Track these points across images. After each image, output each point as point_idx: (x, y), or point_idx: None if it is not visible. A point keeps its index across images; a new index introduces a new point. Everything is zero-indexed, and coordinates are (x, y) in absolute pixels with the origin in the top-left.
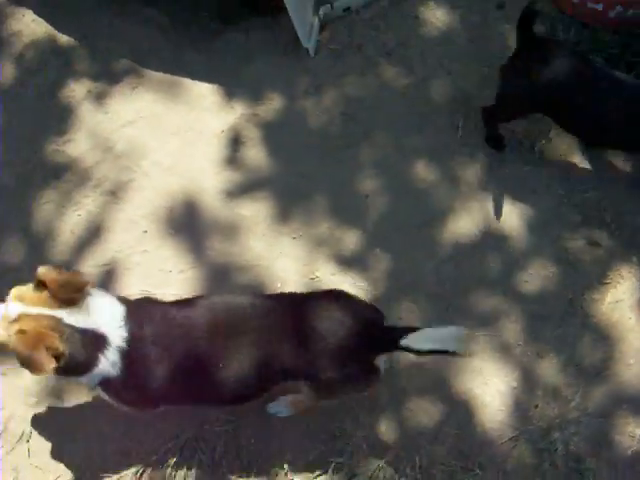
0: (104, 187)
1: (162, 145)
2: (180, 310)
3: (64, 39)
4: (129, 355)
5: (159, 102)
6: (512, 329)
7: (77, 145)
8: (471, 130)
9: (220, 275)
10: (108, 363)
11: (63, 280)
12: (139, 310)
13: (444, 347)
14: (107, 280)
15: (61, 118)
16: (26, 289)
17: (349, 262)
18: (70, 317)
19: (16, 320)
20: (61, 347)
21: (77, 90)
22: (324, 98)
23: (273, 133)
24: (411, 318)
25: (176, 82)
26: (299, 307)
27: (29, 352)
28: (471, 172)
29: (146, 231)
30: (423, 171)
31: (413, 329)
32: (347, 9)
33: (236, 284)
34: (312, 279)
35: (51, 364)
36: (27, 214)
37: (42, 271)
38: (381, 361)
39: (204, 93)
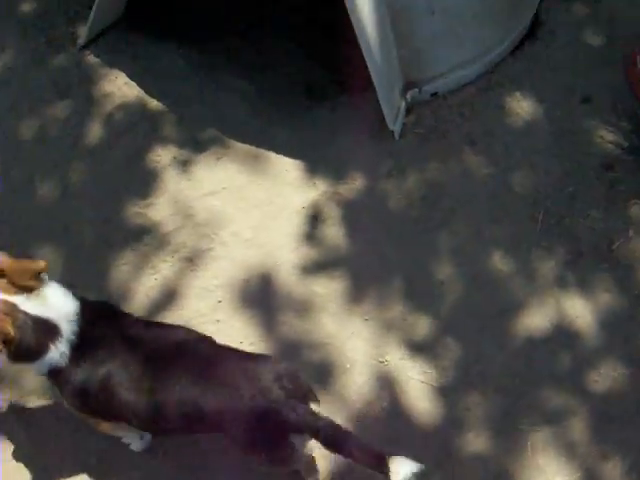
0: (182, 253)
1: (243, 217)
2: (133, 326)
3: (154, 104)
4: (77, 349)
5: (243, 174)
6: (578, 428)
7: (159, 210)
8: (551, 224)
9: (290, 350)
10: (57, 353)
11: (19, 267)
12: (94, 311)
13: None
14: None
15: (145, 181)
16: None
17: (419, 348)
18: (25, 304)
19: None
20: (12, 332)
21: (163, 155)
22: (406, 181)
23: (353, 213)
24: (478, 410)
25: (261, 155)
26: (231, 363)
27: None
28: (548, 266)
29: (220, 301)
30: (500, 262)
31: (348, 435)
32: (434, 94)
33: (305, 361)
34: (381, 362)
35: None
36: (104, 274)
37: None
38: (299, 441)
39: (287, 168)
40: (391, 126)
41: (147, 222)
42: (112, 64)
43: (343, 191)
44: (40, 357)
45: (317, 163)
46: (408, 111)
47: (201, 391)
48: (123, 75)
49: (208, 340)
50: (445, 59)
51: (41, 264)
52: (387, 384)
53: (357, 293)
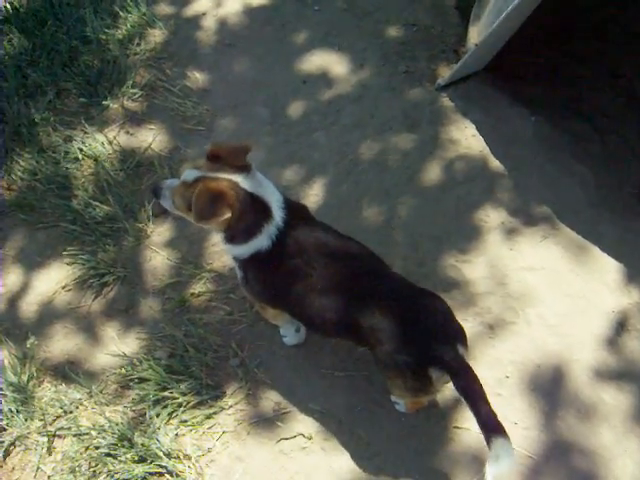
0: (485, 318)
1: (553, 302)
2: (322, 230)
3: (495, 164)
4: (279, 236)
5: (564, 260)
6: None
7: (474, 269)
8: None
9: (559, 447)
10: (267, 235)
11: (232, 148)
12: (293, 205)
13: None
14: (451, 407)
15: (468, 237)
16: (201, 162)
17: None
18: (244, 182)
19: (195, 183)
20: (237, 204)
21: (492, 217)
22: None
23: None
24: None
25: (585, 247)
26: (401, 286)
27: (209, 202)
28: None
29: (508, 377)
30: None
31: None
32: None
33: (570, 463)
34: None
35: (227, 214)
36: None
37: (212, 145)
38: (437, 375)
39: (608, 268)
40: None
41: (460, 277)
42: (465, 113)
43: None
44: (252, 237)
45: (637, 272)
46: None
47: (363, 306)
48: (473, 127)
49: (385, 265)
50: None
51: (248, 143)
52: None
53: None
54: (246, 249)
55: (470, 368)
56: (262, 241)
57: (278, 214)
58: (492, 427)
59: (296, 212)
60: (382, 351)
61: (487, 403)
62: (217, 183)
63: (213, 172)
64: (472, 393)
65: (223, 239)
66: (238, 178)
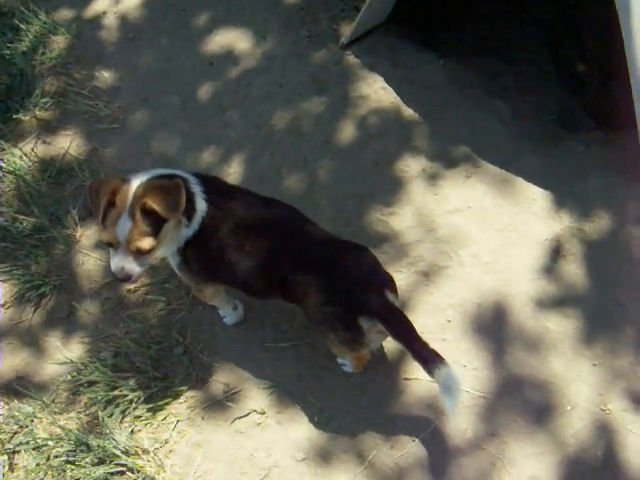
0: (418, 267)
1: (484, 239)
2: (242, 193)
3: (408, 112)
4: (210, 202)
5: (489, 195)
6: None
7: (401, 219)
8: None
9: (513, 383)
10: (200, 209)
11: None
12: (198, 174)
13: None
14: (399, 360)
15: (391, 189)
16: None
17: None
18: (149, 174)
19: (133, 209)
20: (180, 182)
21: (412, 165)
22: None
23: (594, 253)
24: None
25: (509, 180)
26: (326, 241)
27: (167, 195)
28: None
29: (450, 321)
30: None
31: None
32: None
33: (526, 396)
34: (602, 410)
35: (183, 194)
36: None
37: (94, 185)
38: (367, 325)
39: (534, 197)
40: None
41: (388, 230)
42: (372, 67)
43: (587, 229)
44: (194, 212)
45: (565, 196)
46: None
47: (289, 263)
48: (381, 80)
49: (310, 222)
50: None
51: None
52: (605, 433)
53: (589, 336)
54: (194, 225)
55: (399, 311)
56: (203, 211)
57: (195, 183)
58: (430, 358)
59: (208, 180)
60: (310, 305)
61: (419, 338)
62: (148, 185)
63: (127, 192)
64: (403, 332)
65: (184, 226)
66: (142, 177)
